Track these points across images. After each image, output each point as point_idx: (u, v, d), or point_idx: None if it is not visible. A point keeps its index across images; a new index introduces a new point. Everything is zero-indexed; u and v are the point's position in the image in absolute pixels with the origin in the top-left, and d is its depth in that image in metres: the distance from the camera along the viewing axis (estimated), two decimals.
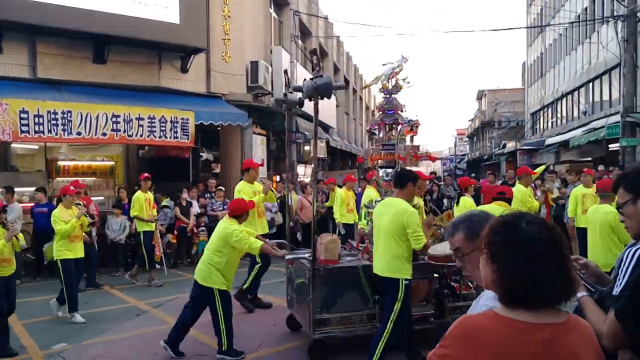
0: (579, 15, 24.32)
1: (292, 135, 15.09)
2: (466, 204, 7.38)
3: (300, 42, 17.62)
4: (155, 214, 9.23)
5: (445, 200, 13.77)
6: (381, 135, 5.20)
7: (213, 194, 11.45)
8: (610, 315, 1.99)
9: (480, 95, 52.46)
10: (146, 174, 9.36)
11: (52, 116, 9.27)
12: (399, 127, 5.04)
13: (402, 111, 5.21)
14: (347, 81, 29.66)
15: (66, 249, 6.65)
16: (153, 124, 10.45)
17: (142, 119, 10.30)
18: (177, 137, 10.81)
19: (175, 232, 10.61)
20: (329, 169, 23.39)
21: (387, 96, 5.23)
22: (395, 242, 4.46)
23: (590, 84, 23.31)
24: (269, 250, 5.43)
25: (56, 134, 9.37)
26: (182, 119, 10.83)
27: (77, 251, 6.80)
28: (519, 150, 31.53)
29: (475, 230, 1.86)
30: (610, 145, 18.75)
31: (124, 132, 10.09)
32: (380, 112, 5.20)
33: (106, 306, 7.29)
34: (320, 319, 5.06)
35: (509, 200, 5.77)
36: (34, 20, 9.25)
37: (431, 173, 18.53)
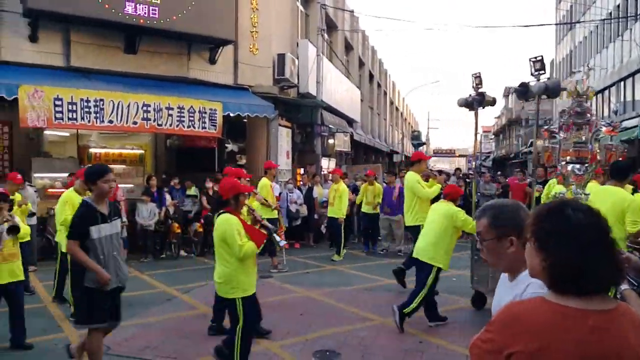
0: (610, 13, 23.81)
1: (317, 128, 15.16)
2: None
3: (326, 35, 17.62)
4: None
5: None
6: (562, 135, 5.48)
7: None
8: None
9: (507, 93, 51.73)
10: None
11: (85, 104, 9.47)
12: (594, 127, 5.39)
13: (590, 115, 5.58)
14: (371, 75, 29.58)
15: None
16: (182, 114, 10.61)
17: (172, 109, 10.46)
18: (204, 128, 10.95)
19: (202, 221, 10.78)
20: (353, 163, 23.40)
21: (580, 99, 5.46)
22: (616, 226, 4.64)
23: (622, 83, 22.83)
24: None
25: (89, 122, 9.58)
26: (210, 109, 10.96)
27: None
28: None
29: (498, 220, 1.89)
30: None
31: (154, 121, 10.26)
32: (571, 114, 5.38)
33: (137, 291, 7.44)
34: None
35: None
36: (69, 10, 9.43)
37: (456, 169, 18.39)
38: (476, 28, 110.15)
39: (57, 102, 9.21)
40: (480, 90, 7.28)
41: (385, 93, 35.12)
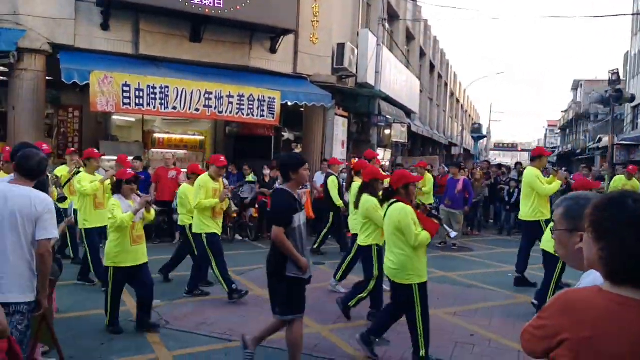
0: None
1: (374, 118, 15.13)
2: None
3: (387, 25, 17.47)
4: None
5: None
6: None
7: None
8: None
9: (576, 86, 49.45)
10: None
11: (151, 90, 9.88)
12: None
13: None
14: (432, 66, 29.08)
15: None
16: (242, 102, 10.88)
17: (232, 97, 10.74)
18: (263, 116, 11.18)
19: (257, 206, 11.05)
20: (409, 155, 23.18)
21: None
22: None
23: None
24: None
25: (154, 108, 10.00)
26: (269, 98, 11.17)
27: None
28: (615, 145, 29.54)
29: (571, 212, 1.87)
30: None
31: (215, 108, 10.58)
32: None
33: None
34: None
35: None
36: None
37: (517, 163, 17.88)
38: (544, 18, 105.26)
39: (125, 88, 9.67)
40: (617, 87, 6.96)
41: (446, 84, 34.46)
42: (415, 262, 4.51)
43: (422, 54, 26.21)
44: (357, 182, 6.63)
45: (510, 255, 9.90)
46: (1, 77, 10.98)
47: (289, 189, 4.25)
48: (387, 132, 18.58)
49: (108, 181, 6.77)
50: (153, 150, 12.38)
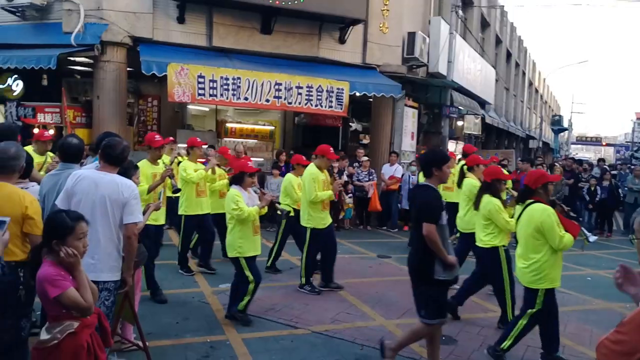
0: None
1: (446, 109, 14.78)
2: None
3: (460, 12, 16.95)
4: None
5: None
6: None
7: (360, 164, 11.74)
8: None
9: None
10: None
11: (224, 81, 10.19)
12: None
13: None
14: (509, 54, 27.95)
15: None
16: (310, 93, 10.98)
17: (301, 88, 10.86)
18: (331, 107, 11.23)
19: None
20: (482, 147, 22.48)
21: None
22: None
23: None
24: None
25: (227, 98, 10.32)
26: (338, 88, 11.19)
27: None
28: None
29: None
30: None
31: (285, 99, 10.75)
32: None
33: (264, 257, 7.93)
34: None
35: None
36: None
37: (599, 160, 16.89)
38: (631, 2, 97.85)
39: (200, 79, 10.02)
40: None
41: (523, 73, 33.00)
42: (550, 266, 4.41)
43: (498, 41, 25.23)
44: (471, 179, 6.37)
45: (589, 257, 9.40)
46: (87, 69, 11.73)
47: (432, 185, 4.23)
48: (459, 123, 18.10)
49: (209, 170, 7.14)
50: (226, 139, 12.77)
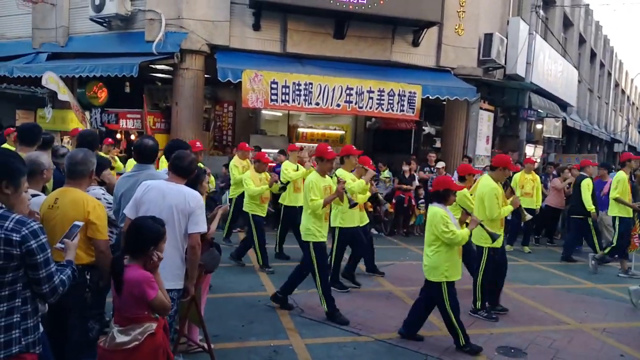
0: None
1: (523, 112, 14.20)
2: None
3: (542, 12, 16.23)
4: None
5: None
6: None
7: (433, 168, 11.50)
8: None
9: None
10: None
11: (296, 87, 10.33)
12: None
13: None
14: (593, 54, 26.45)
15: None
16: (382, 97, 10.90)
17: (372, 92, 10.81)
18: (403, 111, 11.09)
19: (394, 201, 11.01)
20: (563, 151, 21.39)
21: None
22: None
23: None
24: None
25: (298, 104, 10.46)
26: (410, 92, 11.03)
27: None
28: None
29: None
30: None
31: (356, 103, 10.74)
32: None
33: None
34: None
35: None
36: (289, 0, 10.34)
37: None
38: None
39: (273, 86, 10.22)
40: None
41: (609, 74, 31.12)
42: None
43: (582, 41, 23.94)
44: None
45: None
46: (167, 76, 12.28)
47: None
48: (538, 126, 17.33)
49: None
50: (297, 143, 12.95)
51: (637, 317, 6.30)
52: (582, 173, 9.39)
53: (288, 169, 8.06)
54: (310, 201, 5.44)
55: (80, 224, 3.01)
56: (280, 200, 8.26)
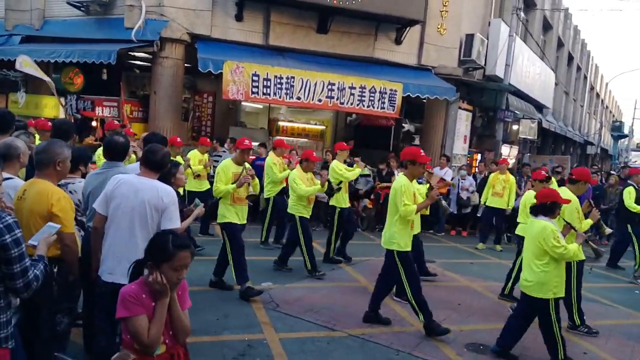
0: None
1: (501, 113, 14.40)
2: None
3: (522, 14, 16.43)
4: None
5: None
6: None
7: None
8: None
9: None
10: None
11: (278, 80, 10.29)
12: None
13: None
14: (571, 57, 26.92)
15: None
16: (363, 94, 10.93)
17: (354, 88, 10.83)
18: (383, 108, 11.15)
19: (372, 198, 11.07)
20: (538, 152, 21.77)
21: None
22: None
23: None
24: None
25: (279, 97, 10.41)
26: (391, 90, 11.10)
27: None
28: None
29: None
30: None
31: (337, 99, 10.76)
32: None
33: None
34: None
35: None
36: None
37: None
38: None
39: (255, 78, 10.16)
40: None
41: (585, 77, 31.73)
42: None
43: (560, 44, 24.33)
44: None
45: None
46: (146, 64, 12.09)
47: None
48: (514, 127, 17.57)
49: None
50: (277, 137, 12.91)
51: (601, 316, 6.47)
52: (629, 181, 9.36)
53: (341, 168, 7.93)
54: (403, 206, 5.11)
55: (57, 226, 2.96)
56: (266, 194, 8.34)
